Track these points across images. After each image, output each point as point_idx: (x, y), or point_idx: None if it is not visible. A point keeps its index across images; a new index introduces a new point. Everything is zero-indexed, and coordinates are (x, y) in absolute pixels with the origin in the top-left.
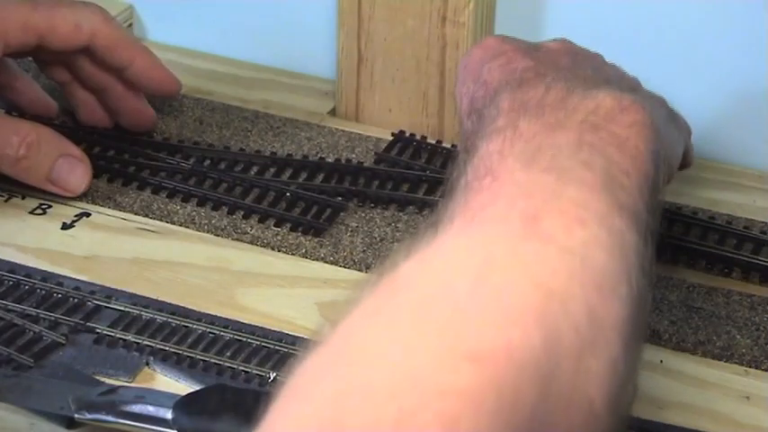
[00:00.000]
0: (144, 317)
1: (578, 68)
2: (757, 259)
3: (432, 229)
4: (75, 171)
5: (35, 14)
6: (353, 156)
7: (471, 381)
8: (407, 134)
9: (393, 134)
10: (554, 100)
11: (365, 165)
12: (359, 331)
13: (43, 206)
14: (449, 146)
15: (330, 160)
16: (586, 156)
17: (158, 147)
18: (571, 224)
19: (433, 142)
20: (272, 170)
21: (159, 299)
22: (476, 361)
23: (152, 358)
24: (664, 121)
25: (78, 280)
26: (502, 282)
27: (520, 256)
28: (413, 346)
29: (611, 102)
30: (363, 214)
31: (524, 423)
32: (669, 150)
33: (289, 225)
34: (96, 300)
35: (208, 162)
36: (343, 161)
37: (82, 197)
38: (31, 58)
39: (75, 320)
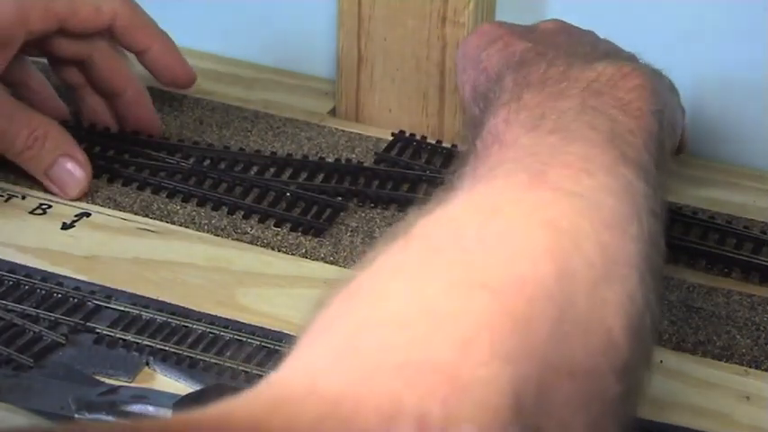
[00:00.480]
0: (144, 317)
1: (576, 45)
2: (757, 259)
3: (443, 194)
4: (74, 174)
5: (56, 2)
6: (353, 156)
7: (483, 307)
8: (407, 134)
9: (393, 134)
10: (555, 73)
11: (365, 165)
12: (372, 278)
13: (43, 206)
14: (449, 146)
15: (330, 160)
16: (590, 117)
17: (158, 146)
18: (577, 174)
19: (433, 142)
20: (273, 170)
21: (159, 299)
22: (487, 291)
23: (152, 358)
24: (665, 88)
25: (78, 280)
26: (508, 223)
27: (526, 201)
28: (422, 283)
29: (611, 70)
30: (363, 214)
31: (540, 346)
32: (671, 113)
33: (289, 225)
34: (96, 300)
35: (208, 162)
36: (343, 161)
37: (82, 197)
38: (45, 59)
39: (75, 320)
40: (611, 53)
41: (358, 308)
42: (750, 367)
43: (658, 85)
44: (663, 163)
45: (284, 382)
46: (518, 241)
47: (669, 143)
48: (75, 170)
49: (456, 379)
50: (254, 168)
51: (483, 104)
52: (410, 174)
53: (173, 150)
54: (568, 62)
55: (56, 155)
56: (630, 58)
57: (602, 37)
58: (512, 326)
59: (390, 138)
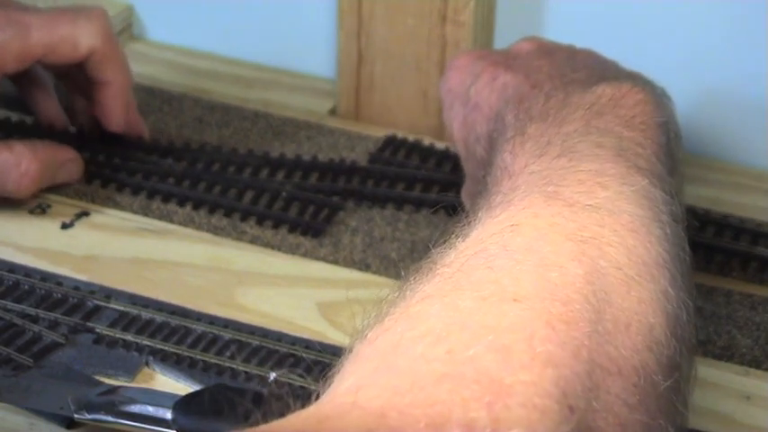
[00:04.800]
0: (143, 317)
1: (564, 68)
2: (757, 259)
3: (460, 229)
4: (72, 172)
5: (32, 38)
6: (353, 155)
7: (518, 315)
8: (399, 137)
9: (387, 136)
10: (556, 102)
11: (359, 165)
12: (404, 305)
13: (43, 206)
14: (442, 147)
15: (332, 159)
16: (595, 137)
17: (150, 148)
18: (591, 188)
19: (427, 145)
20: (277, 171)
21: (159, 299)
22: (519, 300)
23: (151, 358)
24: (665, 99)
25: (78, 280)
26: (531, 237)
27: (545, 216)
28: (454, 302)
29: (610, 90)
30: (363, 214)
31: (582, 346)
32: (675, 123)
33: (287, 226)
34: (96, 300)
35: (203, 163)
36: (337, 160)
37: (82, 197)
38: None
39: (75, 320)
40: (606, 74)
41: (392, 329)
42: (750, 367)
43: (659, 98)
44: (676, 171)
45: (328, 399)
46: (543, 252)
47: (678, 152)
48: (72, 168)
49: (499, 384)
50: (250, 169)
51: (485, 144)
52: (404, 172)
53: (166, 152)
54: (567, 90)
55: (54, 171)
56: (619, 72)
57: (580, 47)
58: (549, 329)
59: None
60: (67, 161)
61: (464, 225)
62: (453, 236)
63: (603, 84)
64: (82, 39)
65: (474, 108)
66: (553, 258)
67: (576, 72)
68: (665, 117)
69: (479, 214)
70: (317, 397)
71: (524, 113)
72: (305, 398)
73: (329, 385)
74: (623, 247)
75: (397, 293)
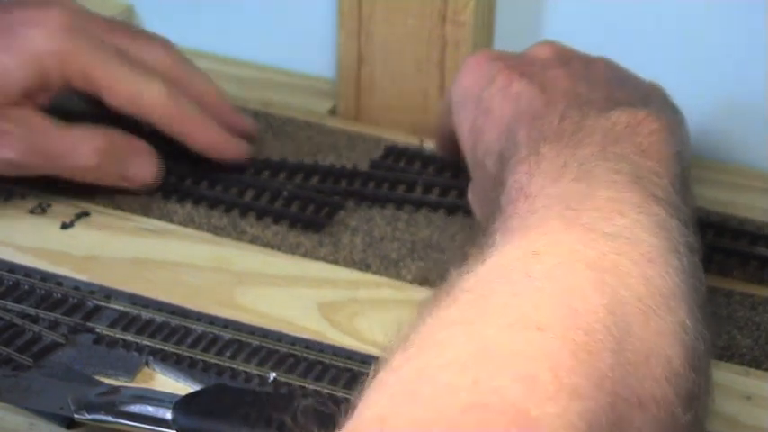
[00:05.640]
0: (143, 317)
1: (578, 85)
2: (757, 259)
3: (477, 253)
4: (145, 165)
5: (99, 66)
6: (353, 155)
7: (542, 343)
8: (400, 146)
9: (386, 147)
10: (570, 124)
11: (360, 169)
12: (426, 331)
13: (43, 206)
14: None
15: (326, 164)
16: (612, 163)
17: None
18: (610, 215)
19: (428, 153)
20: (279, 173)
21: (159, 299)
22: (543, 329)
23: (152, 358)
24: (679, 126)
25: (78, 280)
26: (552, 264)
27: (565, 243)
28: (477, 329)
29: (626, 117)
30: (363, 213)
31: (605, 377)
32: (688, 152)
33: (287, 222)
34: (96, 300)
35: (203, 163)
36: (338, 166)
37: (82, 197)
38: None
39: (75, 320)
40: (623, 100)
41: (416, 357)
42: (750, 367)
43: (672, 124)
44: (690, 201)
45: (352, 428)
46: (564, 279)
47: (691, 181)
48: (145, 161)
49: (525, 416)
50: (250, 170)
51: (496, 161)
52: (405, 177)
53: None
54: (582, 112)
55: (125, 158)
56: (636, 92)
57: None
58: (573, 358)
59: (390, 139)
60: (141, 152)
61: (480, 248)
62: (471, 259)
63: (619, 110)
64: (144, 93)
65: (485, 113)
66: (575, 287)
67: (593, 90)
68: (680, 146)
69: (496, 237)
70: (344, 417)
71: (537, 132)
72: (329, 426)
73: (352, 411)
74: (642, 277)
75: (416, 317)
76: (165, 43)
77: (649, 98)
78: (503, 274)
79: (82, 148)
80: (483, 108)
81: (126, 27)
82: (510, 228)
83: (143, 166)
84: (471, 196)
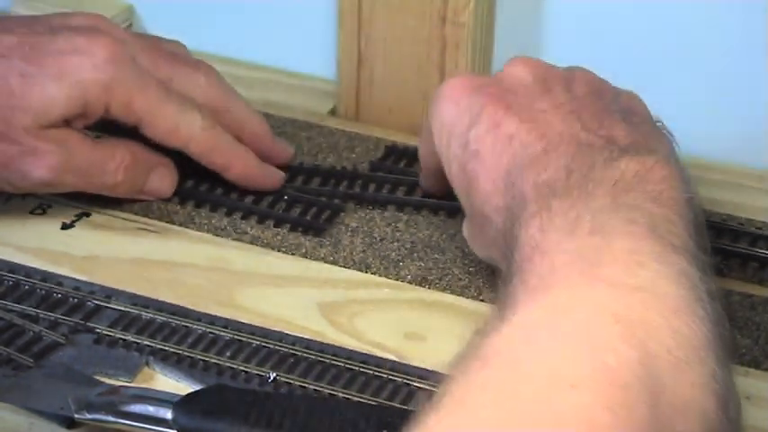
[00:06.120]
0: (144, 317)
1: (569, 120)
2: (756, 260)
3: (500, 313)
4: (165, 180)
5: (141, 97)
6: (353, 156)
7: (579, 403)
8: (400, 147)
9: (386, 147)
10: (578, 179)
11: (360, 171)
12: (456, 396)
13: (43, 206)
14: None
15: (326, 166)
16: (625, 213)
17: None
18: (630, 267)
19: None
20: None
21: (159, 299)
22: (578, 386)
23: (152, 358)
24: (683, 168)
25: (78, 280)
26: (580, 321)
27: (590, 299)
28: (510, 394)
29: (635, 166)
30: (363, 214)
31: (644, 431)
32: (698, 197)
33: (288, 225)
34: (96, 300)
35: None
36: (349, 168)
37: (82, 197)
38: None
39: (75, 320)
40: (621, 141)
41: (450, 420)
42: (750, 367)
43: (681, 169)
44: (706, 247)
45: None
46: (594, 335)
47: (704, 226)
48: (165, 176)
49: None
50: None
51: (503, 214)
52: (406, 180)
53: (166, 153)
54: (588, 163)
55: (147, 173)
56: (626, 116)
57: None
58: (611, 415)
59: (390, 140)
60: (161, 165)
61: (501, 307)
62: (492, 318)
63: (626, 157)
64: (183, 126)
65: (474, 156)
66: (606, 341)
67: (588, 128)
68: (691, 192)
69: (517, 296)
70: None
71: (545, 188)
72: None
73: None
74: (670, 329)
75: (446, 380)
76: (207, 71)
77: (633, 113)
78: (530, 333)
79: (109, 166)
80: (472, 151)
81: (170, 53)
82: (530, 286)
83: (162, 179)
84: (467, 232)
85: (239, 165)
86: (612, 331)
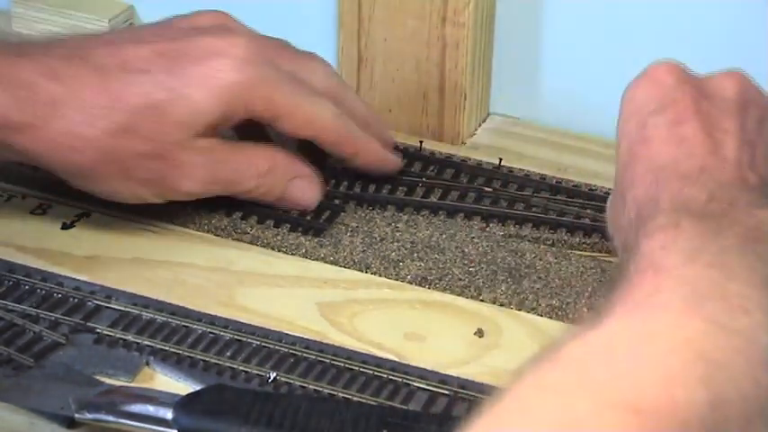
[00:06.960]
0: (144, 317)
1: (743, 153)
2: None
3: (594, 317)
4: (307, 191)
5: (279, 93)
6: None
7: (631, 429)
8: (399, 148)
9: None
10: (717, 208)
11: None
12: (520, 393)
13: (43, 206)
14: (442, 156)
15: (335, 168)
16: (749, 261)
17: None
18: (735, 310)
19: (426, 154)
20: None
21: (159, 299)
22: (639, 413)
23: (152, 358)
24: None
25: (78, 280)
26: (663, 350)
27: (682, 330)
28: (571, 401)
29: None
30: (363, 214)
31: None
32: None
33: (288, 226)
34: (96, 300)
35: None
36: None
37: (82, 197)
38: None
39: (76, 320)
40: None
41: (505, 421)
42: None
43: None
44: None
45: None
46: (672, 368)
47: None
48: (306, 187)
49: None
50: None
51: (636, 209)
52: (405, 179)
53: None
54: (731, 199)
55: (286, 181)
56: None
57: None
58: None
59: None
60: (304, 175)
61: (597, 314)
62: (585, 321)
63: (766, 209)
64: (316, 117)
65: (644, 141)
66: (681, 377)
67: (752, 165)
68: None
69: (616, 306)
70: None
71: (682, 204)
72: None
73: None
74: (753, 379)
75: (518, 371)
76: (322, 61)
77: None
78: (611, 349)
79: (248, 173)
80: (644, 135)
81: (288, 47)
82: (632, 300)
83: (304, 189)
84: (609, 208)
85: (367, 151)
86: (692, 368)
